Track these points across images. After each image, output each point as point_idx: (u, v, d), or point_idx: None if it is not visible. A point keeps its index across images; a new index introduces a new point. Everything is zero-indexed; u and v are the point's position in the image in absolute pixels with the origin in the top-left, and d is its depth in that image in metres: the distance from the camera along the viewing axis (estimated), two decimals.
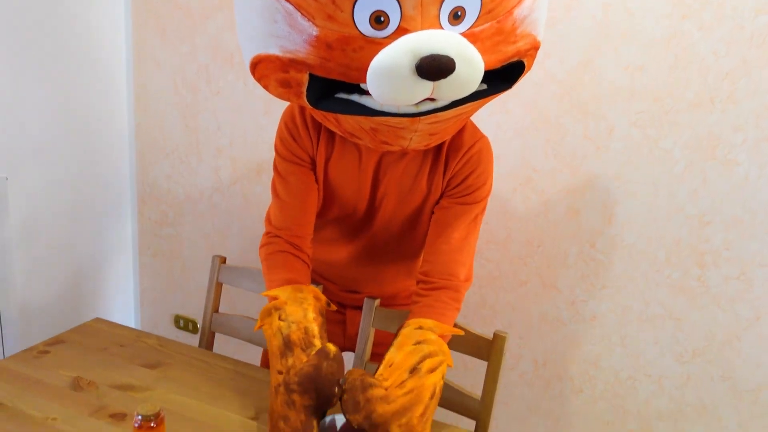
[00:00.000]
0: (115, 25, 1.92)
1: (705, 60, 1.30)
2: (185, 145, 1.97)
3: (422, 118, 0.83)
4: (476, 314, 1.67)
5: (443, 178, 1.05)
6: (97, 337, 1.23)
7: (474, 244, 1.09)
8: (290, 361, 0.90)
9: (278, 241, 1.08)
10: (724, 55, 1.29)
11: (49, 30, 1.70)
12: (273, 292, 1.02)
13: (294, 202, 1.08)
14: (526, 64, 0.86)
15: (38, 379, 1.05)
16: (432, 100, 0.81)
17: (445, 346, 0.98)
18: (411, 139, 0.90)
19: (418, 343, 0.94)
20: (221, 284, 1.36)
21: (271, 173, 1.12)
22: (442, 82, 0.74)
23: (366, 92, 0.82)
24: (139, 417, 0.78)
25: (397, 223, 1.11)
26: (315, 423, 0.87)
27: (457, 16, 0.77)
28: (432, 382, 0.90)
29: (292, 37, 0.78)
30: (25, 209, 1.76)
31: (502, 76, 0.86)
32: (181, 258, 2.09)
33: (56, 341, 1.20)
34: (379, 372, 0.93)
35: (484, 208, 1.09)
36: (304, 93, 0.82)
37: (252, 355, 1.52)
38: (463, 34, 0.77)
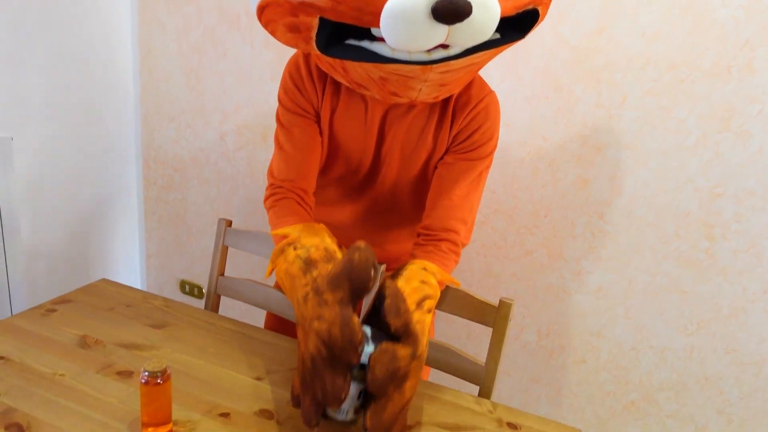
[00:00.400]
0: None
1: (724, 26, 1.27)
2: (191, 109, 1.95)
3: (433, 66, 0.81)
4: (481, 283, 1.67)
5: (449, 133, 1.03)
6: (104, 297, 1.23)
7: (476, 203, 1.08)
8: (315, 273, 0.86)
9: (283, 191, 1.07)
10: (743, 22, 1.25)
11: None
12: (283, 230, 0.99)
13: (298, 155, 1.06)
14: (540, 12, 0.84)
15: (46, 336, 1.06)
16: (444, 47, 0.78)
17: (439, 293, 0.99)
18: (420, 89, 0.88)
19: (423, 282, 0.94)
20: (227, 247, 1.35)
21: None
22: (458, 26, 0.72)
23: (377, 38, 0.79)
24: (146, 373, 0.78)
25: (401, 182, 1.10)
26: (352, 310, 0.80)
27: None
28: (430, 322, 0.91)
29: None
30: (31, 169, 1.75)
31: (515, 25, 0.84)
32: (186, 224, 2.09)
33: (63, 300, 1.20)
34: None
35: (488, 166, 1.07)
36: (314, 38, 0.80)
37: (256, 321, 1.53)
38: None
